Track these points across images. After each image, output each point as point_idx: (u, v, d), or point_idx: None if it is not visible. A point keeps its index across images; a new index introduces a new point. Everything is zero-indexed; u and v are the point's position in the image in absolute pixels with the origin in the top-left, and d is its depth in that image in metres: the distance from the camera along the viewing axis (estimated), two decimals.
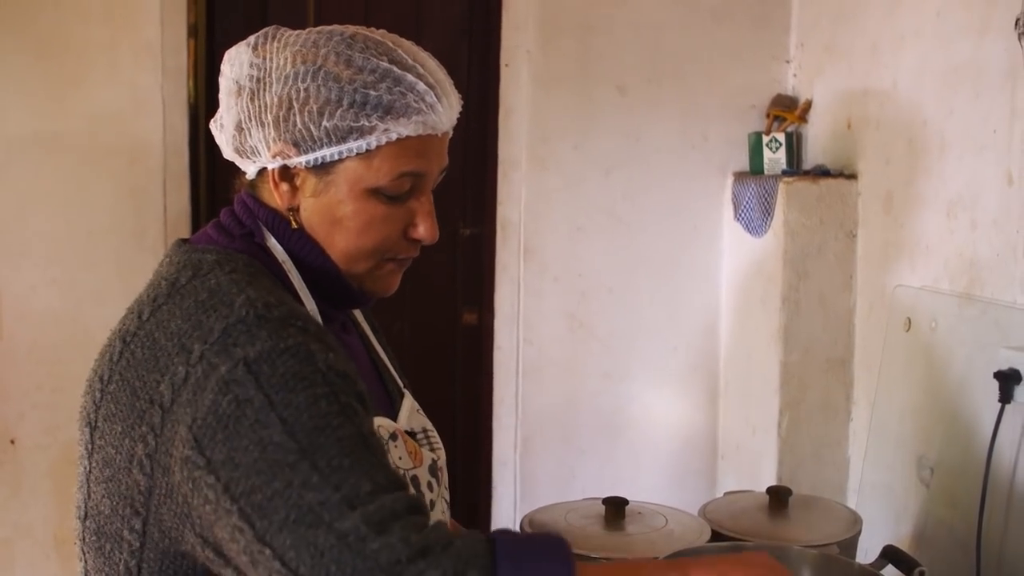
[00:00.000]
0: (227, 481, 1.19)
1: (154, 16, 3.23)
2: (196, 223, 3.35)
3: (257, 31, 1.50)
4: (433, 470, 1.54)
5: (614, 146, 3.50)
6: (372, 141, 1.40)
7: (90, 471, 1.37)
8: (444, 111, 1.45)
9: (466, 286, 3.64)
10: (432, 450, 1.57)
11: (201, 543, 1.26)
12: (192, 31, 3.33)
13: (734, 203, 3.46)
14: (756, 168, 3.41)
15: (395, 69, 1.41)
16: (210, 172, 3.40)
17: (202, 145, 3.36)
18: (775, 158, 3.37)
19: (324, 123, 1.39)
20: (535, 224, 3.51)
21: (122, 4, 3.21)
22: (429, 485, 1.51)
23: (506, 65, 3.48)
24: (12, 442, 3.22)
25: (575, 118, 3.48)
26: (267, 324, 1.27)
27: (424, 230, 1.48)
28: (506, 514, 3.55)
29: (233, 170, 1.55)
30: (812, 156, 3.39)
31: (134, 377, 1.31)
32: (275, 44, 1.45)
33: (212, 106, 3.54)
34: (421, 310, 3.53)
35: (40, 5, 3.16)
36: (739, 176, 3.48)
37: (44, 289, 3.22)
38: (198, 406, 1.24)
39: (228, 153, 1.51)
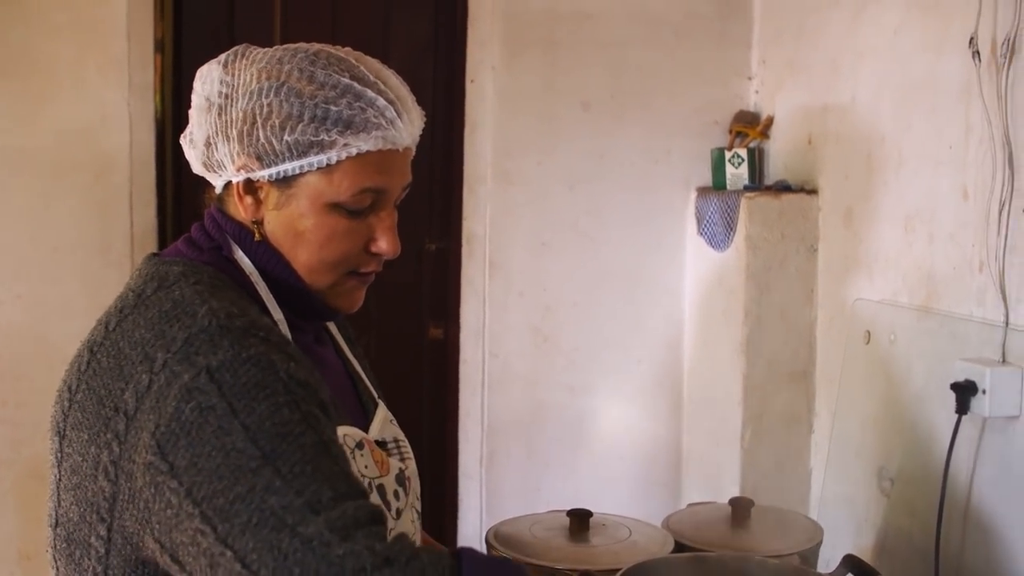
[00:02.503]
0: (190, 485, 1.21)
1: (120, 32, 3.22)
2: (162, 238, 3.34)
3: (224, 47, 1.52)
4: (400, 479, 1.55)
5: (578, 161, 3.53)
6: (332, 156, 1.42)
7: (60, 479, 1.39)
8: (405, 127, 1.47)
9: (432, 300, 3.66)
10: (401, 460, 1.59)
11: (159, 548, 1.27)
12: (159, 46, 3.33)
13: (697, 218, 3.49)
14: (719, 183, 3.45)
15: (356, 85, 1.43)
16: (176, 188, 3.39)
17: (169, 160, 3.36)
18: (737, 173, 3.40)
19: (285, 137, 1.41)
20: (500, 238, 3.53)
21: (89, 20, 3.20)
22: (395, 494, 1.53)
23: (471, 81, 3.50)
24: None
25: (540, 134, 3.51)
26: (229, 334, 1.29)
27: (385, 244, 1.50)
28: (472, 527, 3.56)
29: (203, 185, 1.57)
30: (774, 171, 3.44)
31: (100, 386, 1.33)
32: (243, 61, 1.47)
33: (179, 122, 3.54)
34: (387, 324, 3.54)
35: (7, 21, 3.14)
36: (702, 191, 3.52)
37: (9, 304, 3.21)
38: (161, 413, 1.25)
39: (197, 168, 1.53)
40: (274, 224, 1.48)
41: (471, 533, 3.54)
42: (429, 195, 3.55)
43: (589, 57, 3.51)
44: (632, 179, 3.56)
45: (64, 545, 1.38)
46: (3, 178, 3.18)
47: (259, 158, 1.44)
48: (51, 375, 3.26)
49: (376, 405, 1.65)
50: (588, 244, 3.56)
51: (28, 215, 3.21)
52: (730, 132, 3.53)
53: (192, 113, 1.52)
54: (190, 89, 1.54)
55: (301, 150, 1.42)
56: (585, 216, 3.55)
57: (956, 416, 2.36)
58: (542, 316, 3.56)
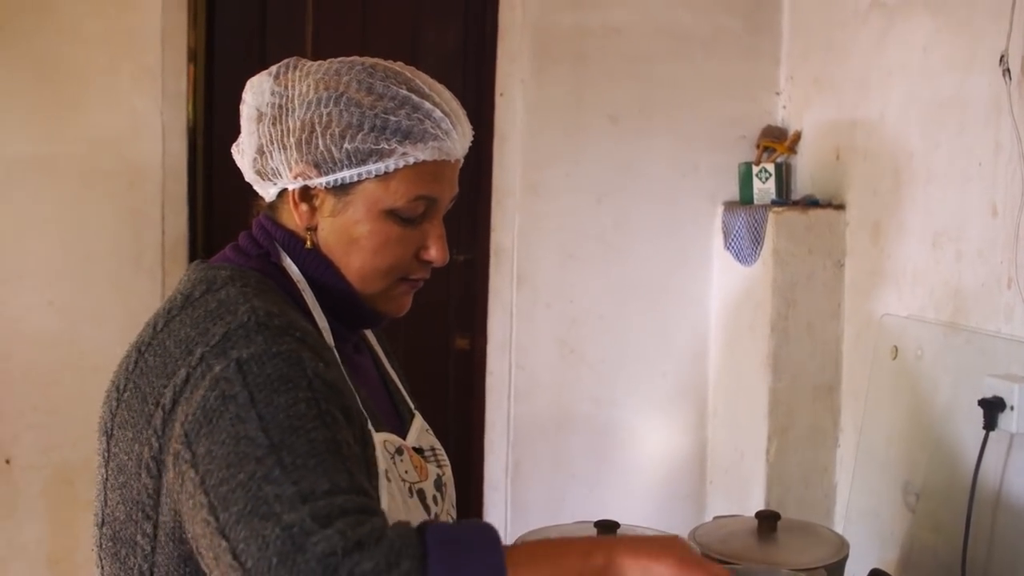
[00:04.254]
0: (203, 474, 1.23)
1: (154, 41, 3.25)
2: (194, 247, 3.37)
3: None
4: (438, 484, 1.58)
5: (606, 174, 3.54)
6: (391, 164, 1.46)
7: (107, 479, 1.42)
8: (458, 139, 1.52)
9: (459, 312, 3.67)
10: (439, 466, 1.62)
11: (194, 542, 1.28)
12: (192, 55, 3.35)
13: (724, 232, 3.50)
14: (746, 198, 3.45)
15: (414, 97, 1.47)
16: (208, 196, 3.42)
17: (200, 169, 3.39)
18: (765, 188, 3.41)
19: (345, 146, 1.45)
20: (527, 251, 3.54)
21: (122, 28, 3.24)
22: (434, 499, 1.55)
23: (501, 94, 3.52)
24: (7, 462, 3.23)
25: (568, 146, 3.52)
26: (265, 330, 1.32)
27: (436, 252, 1.54)
28: None
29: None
30: (801, 186, 3.44)
31: (145, 384, 1.37)
32: (297, 73, 1.51)
33: (211, 131, 3.57)
34: (414, 335, 3.54)
35: (40, 29, 3.18)
36: (729, 205, 3.52)
37: (41, 311, 3.24)
38: (191, 403, 1.28)
39: (249, 176, 1.57)
40: (328, 231, 1.51)
41: None
42: (457, 207, 3.54)
43: (617, 71, 3.52)
44: (659, 192, 3.57)
45: (110, 544, 1.41)
46: (36, 186, 3.21)
47: (317, 166, 1.47)
48: (81, 381, 3.33)
49: (412, 415, 1.68)
50: (615, 257, 3.57)
51: (60, 223, 3.24)
52: (757, 147, 3.53)
53: (243, 123, 1.55)
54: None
55: (360, 158, 1.45)
56: (612, 229, 3.56)
57: (984, 432, 2.36)
58: (568, 328, 3.57)
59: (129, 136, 3.26)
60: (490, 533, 1.21)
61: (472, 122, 1.58)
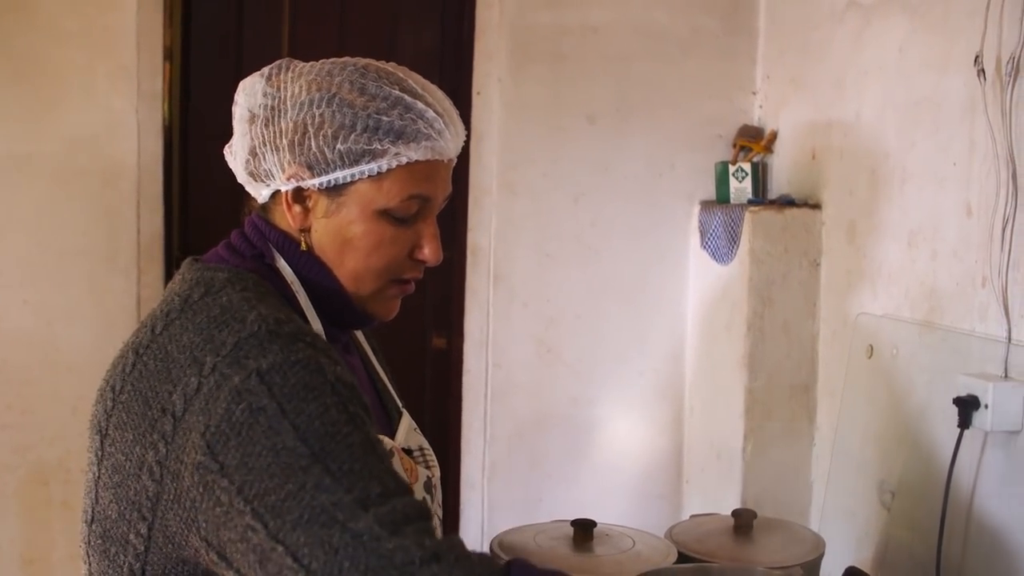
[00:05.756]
0: (241, 484, 1.24)
1: (130, 40, 3.24)
2: (169, 246, 3.36)
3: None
4: (428, 487, 1.60)
5: (583, 174, 3.55)
6: (383, 164, 1.46)
7: (99, 477, 1.41)
8: (451, 138, 1.53)
9: (436, 311, 3.67)
10: (427, 467, 1.63)
11: (206, 546, 1.29)
12: (167, 54, 3.34)
13: (701, 231, 3.51)
14: (722, 197, 3.46)
15: (406, 97, 1.48)
16: (183, 195, 3.41)
17: (176, 168, 3.38)
18: (741, 187, 3.42)
19: (338, 146, 1.45)
20: (504, 250, 3.54)
21: (98, 27, 3.23)
22: (424, 501, 1.56)
23: (478, 93, 3.53)
24: None
25: (545, 146, 3.53)
26: (278, 339, 1.33)
27: (430, 251, 1.55)
28: (473, 537, 3.57)
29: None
30: (777, 186, 3.45)
31: (146, 388, 1.36)
32: (289, 74, 1.51)
33: (186, 129, 3.56)
34: (391, 334, 3.51)
35: (16, 28, 3.17)
36: (706, 205, 3.53)
37: (15, 310, 3.22)
38: (211, 414, 1.28)
39: (242, 178, 1.57)
40: (322, 232, 1.51)
41: (473, 543, 3.50)
42: None
43: (595, 70, 3.53)
44: (636, 192, 3.58)
45: (99, 541, 1.41)
46: (11, 184, 3.19)
47: (310, 167, 1.47)
48: (56, 381, 3.32)
49: (400, 414, 1.69)
50: (592, 256, 3.57)
51: (35, 221, 3.23)
52: (734, 146, 3.55)
53: (236, 125, 1.55)
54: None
55: (353, 159, 1.46)
56: (589, 228, 3.57)
57: (958, 430, 2.37)
58: (545, 327, 3.58)
59: (105, 135, 3.25)
60: None
61: None
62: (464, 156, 3.51)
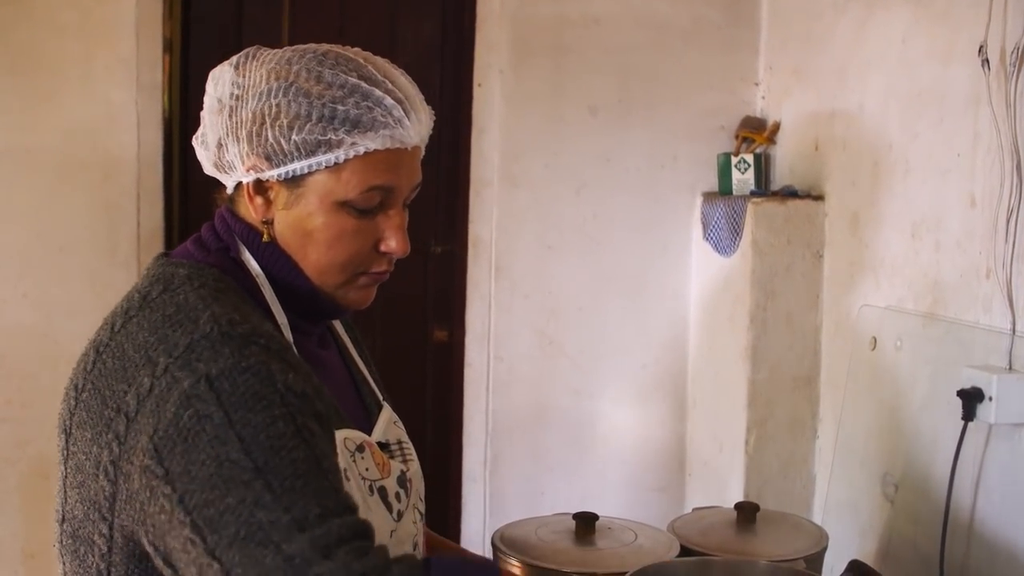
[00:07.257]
0: (182, 493, 1.22)
1: (129, 31, 3.23)
2: (169, 238, 3.35)
3: (232, 47, 1.53)
4: (402, 481, 1.55)
5: (585, 165, 3.53)
6: (340, 155, 1.43)
7: (66, 476, 1.41)
8: (413, 125, 1.47)
9: (437, 303, 3.66)
10: (403, 461, 1.59)
11: (153, 551, 1.29)
12: (167, 46, 3.33)
13: (703, 223, 3.50)
14: (725, 189, 3.45)
15: (363, 84, 1.44)
16: (184, 188, 3.40)
17: (176, 161, 3.37)
18: (744, 179, 3.41)
19: (294, 137, 1.42)
20: (506, 242, 3.53)
21: (97, 19, 3.21)
22: (397, 496, 1.53)
23: (479, 84, 3.51)
24: None
25: (547, 137, 3.51)
26: (231, 341, 1.30)
27: (395, 243, 1.50)
28: (475, 530, 3.56)
29: (213, 186, 1.57)
30: (780, 177, 3.44)
31: (104, 386, 1.34)
32: (254, 63, 1.48)
33: (186, 122, 3.55)
34: (392, 327, 3.54)
35: (14, 20, 3.15)
36: (708, 196, 3.52)
37: (15, 303, 3.21)
38: (160, 417, 1.26)
39: (208, 168, 1.54)
40: (283, 224, 1.48)
41: (475, 536, 3.55)
42: (435, 198, 3.55)
43: (596, 62, 3.52)
44: (638, 183, 3.57)
45: (70, 541, 1.40)
46: (10, 177, 3.18)
47: (268, 158, 1.44)
48: (56, 374, 3.28)
49: (380, 407, 1.66)
50: (594, 248, 3.56)
51: (35, 214, 3.21)
52: (736, 138, 3.53)
53: (204, 115, 1.52)
54: (198, 89, 1.55)
55: (309, 149, 1.43)
56: (591, 220, 3.55)
57: (962, 423, 2.36)
58: (547, 320, 3.57)
59: (104, 127, 3.24)
60: (492, 571, 1.23)
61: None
62: (465, 148, 3.52)
